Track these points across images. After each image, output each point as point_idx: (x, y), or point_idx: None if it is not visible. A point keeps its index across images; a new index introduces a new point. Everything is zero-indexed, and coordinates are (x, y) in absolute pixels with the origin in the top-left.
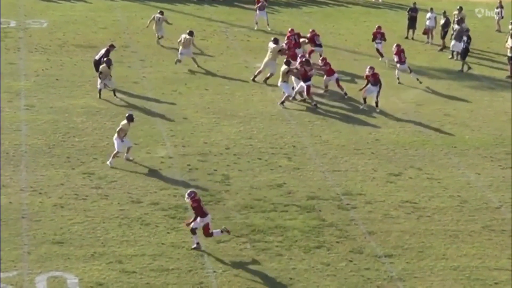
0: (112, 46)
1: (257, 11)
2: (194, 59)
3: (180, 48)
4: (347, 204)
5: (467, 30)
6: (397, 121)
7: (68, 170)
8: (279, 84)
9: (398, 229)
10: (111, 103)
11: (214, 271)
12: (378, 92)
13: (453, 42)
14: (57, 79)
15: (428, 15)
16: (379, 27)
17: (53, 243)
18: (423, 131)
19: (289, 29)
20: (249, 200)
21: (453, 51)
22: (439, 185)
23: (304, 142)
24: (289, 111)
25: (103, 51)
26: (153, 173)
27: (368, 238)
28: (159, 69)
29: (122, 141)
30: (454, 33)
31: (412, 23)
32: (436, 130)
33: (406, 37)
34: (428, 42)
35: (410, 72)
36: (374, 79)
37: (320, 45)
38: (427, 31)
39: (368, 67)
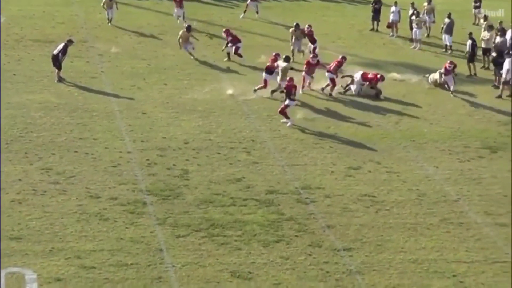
0: (70, 41)
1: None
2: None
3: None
4: (306, 198)
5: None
6: (356, 115)
7: (26, 165)
8: (278, 81)
9: (357, 222)
10: (69, 99)
11: (173, 266)
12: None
13: (444, 35)
14: (14, 74)
15: (392, 8)
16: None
17: (10, 239)
18: (381, 125)
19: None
20: (208, 195)
21: (446, 45)
22: (398, 178)
23: (263, 136)
24: (248, 106)
25: (61, 46)
26: (111, 168)
27: (327, 232)
28: (118, 63)
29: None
30: (444, 27)
31: (376, 15)
32: (395, 123)
33: (372, 29)
34: (392, 35)
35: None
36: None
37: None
38: (391, 25)
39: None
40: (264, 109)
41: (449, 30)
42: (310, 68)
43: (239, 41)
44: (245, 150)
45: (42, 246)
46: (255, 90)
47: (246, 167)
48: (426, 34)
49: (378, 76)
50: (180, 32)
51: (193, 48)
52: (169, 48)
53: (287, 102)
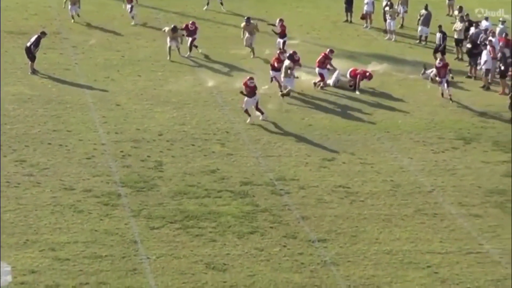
0: (43, 33)
1: None
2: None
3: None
4: (281, 190)
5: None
6: (331, 106)
7: None
8: (282, 77)
9: (332, 213)
10: (43, 90)
11: (148, 257)
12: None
13: (420, 27)
14: None
15: (366, 0)
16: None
17: None
18: (356, 116)
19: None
20: (182, 186)
21: (420, 36)
22: (372, 169)
23: (237, 127)
24: (223, 97)
25: (34, 38)
26: (86, 160)
27: (302, 223)
28: (91, 55)
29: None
30: (421, 18)
31: (349, 6)
32: (369, 114)
33: (346, 20)
34: (366, 27)
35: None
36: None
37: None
38: (365, 16)
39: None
40: (239, 101)
41: (426, 21)
42: (278, 64)
43: (195, 33)
44: (219, 141)
45: (16, 239)
46: (282, 95)
47: (221, 159)
48: (400, 25)
49: (367, 73)
50: (166, 30)
51: (180, 43)
52: (143, 39)
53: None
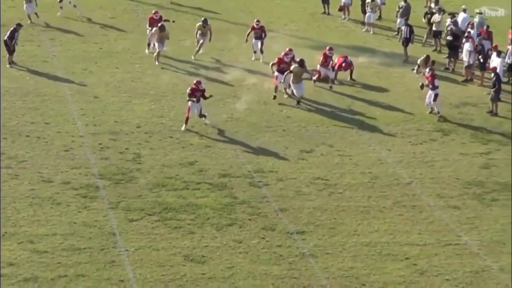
0: (19, 25)
1: None
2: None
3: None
4: (259, 182)
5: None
6: (309, 98)
7: None
8: (290, 83)
9: (310, 205)
10: (20, 83)
11: (126, 250)
12: None
13: (398, 20)
14: None
15: None
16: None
17: None
18: (334, 108)
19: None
20: (160, 179)
21: (399, 28)
22: (350, 161)
23: (215, 120)
24: None
25: (10, 30)
26: (64, 152)
27: (280, 215)
28: (69, 47)
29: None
30: (400, 11)
31: None
32: (347, 107)
33: (324, 12)
34: (344, 18)
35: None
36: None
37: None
38: (343, 8)
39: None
40: (217, 94)
41: (405, 13)
42: (280, 65)
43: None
44: (197, 134)
45: None
46: (298, 102)
47: (199, 151)
48: (377, 17)
49: (343, 64)
50: (153, 30)
51: (163, 47)
52: (120, 31)
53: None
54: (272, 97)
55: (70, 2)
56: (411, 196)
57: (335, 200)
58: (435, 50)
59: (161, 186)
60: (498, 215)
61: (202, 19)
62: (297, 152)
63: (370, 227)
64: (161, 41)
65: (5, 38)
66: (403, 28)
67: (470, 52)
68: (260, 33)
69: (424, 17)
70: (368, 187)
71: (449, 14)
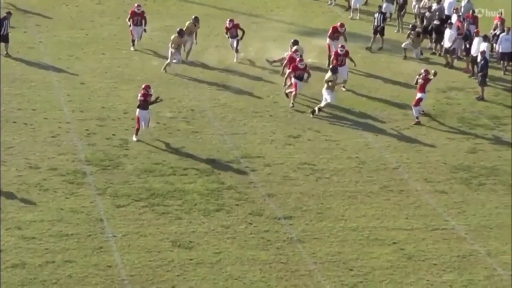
0: (9, 13)
1: None
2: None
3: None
4: (246, 167)
5: None
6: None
7: None
8: (323, 91)
9: (297, 191)
10: (7, 69)
11: (114, 236)
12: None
13: (384, 4)
14: None
15: None
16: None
17: None
18: (320, 93)
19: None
20: (148, 165)
21: (385, 13)
22: (338, 146)
23: (202, 105)
24: (188, 76)
25: None
26: (51, 138)
27: (268, 201)
28: (55, 33)
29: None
30: None
31: None
32: (335, 92)
33: None
34: (331, 3)
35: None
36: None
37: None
38: None
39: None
40: (204, 78)
41: None
42: (297, 72)
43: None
44: (184, 119)
45: None
46: (319, 109)
47: (186, 137)
48: (364, 2)
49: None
50: (172, 37)
51: (177, 61)
52: (107, 17)
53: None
54: (291, 105)
55: None
56: (398, 181)
57: (323, 185)
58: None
59: (148, 172)
60: (485, 200)
61: (194, 16)
62: (284, 137)
63: (357, 212)
64: (178, 48)
65: None
66: (376, 15)
67: (453, 37)
68: (235, 32)
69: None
70: (356, 172)
71: None
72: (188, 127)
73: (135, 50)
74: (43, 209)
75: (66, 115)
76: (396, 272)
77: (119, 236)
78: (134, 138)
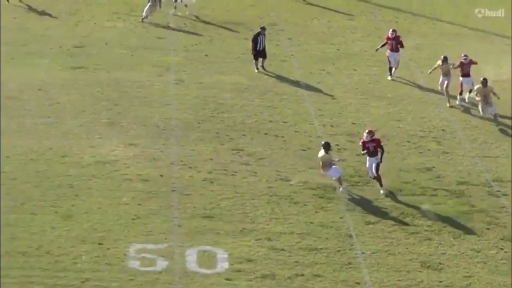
0: (263, 29)
1: None
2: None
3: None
4: (497, 191)
5: None
6: None
7: (217, 145)
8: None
9: None
10: (259, 81)
11: (363, 252)
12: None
13: None
14: (206, 55)
15: None
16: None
17: (203, 217)
18: None
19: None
20: (397, 183)
21: None
22: None
23: (453, 126)
24: (438, 96)
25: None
26: (301, 151)
27: None
28: (307, 47)
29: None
30: None
31: None
32: None
33: None
34: None
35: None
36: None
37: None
38: None
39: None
40: (445, 99)
41: None
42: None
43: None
44: (435, 139)
45: (233, 226)
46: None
47: (436, 157)
48: None
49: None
50: (437, 63)
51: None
52: (358, 33)
53: None
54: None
55: None
56: None
57: None
58: None
59: (397, 190)
60: None
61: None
62: None
63: None
64: (447, 75)
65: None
66: None
67: None
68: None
69: None
70: None
71: None
72: (439, 147)
73: (392, 79)
74: (292, 221)
75: (316, 129)
76: None
77: (368, 253)
78: None
